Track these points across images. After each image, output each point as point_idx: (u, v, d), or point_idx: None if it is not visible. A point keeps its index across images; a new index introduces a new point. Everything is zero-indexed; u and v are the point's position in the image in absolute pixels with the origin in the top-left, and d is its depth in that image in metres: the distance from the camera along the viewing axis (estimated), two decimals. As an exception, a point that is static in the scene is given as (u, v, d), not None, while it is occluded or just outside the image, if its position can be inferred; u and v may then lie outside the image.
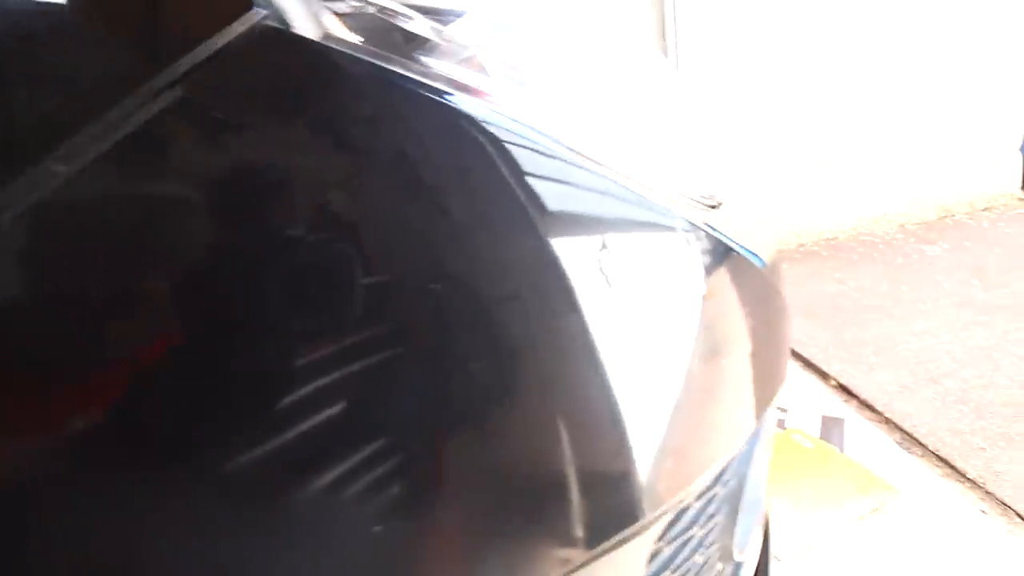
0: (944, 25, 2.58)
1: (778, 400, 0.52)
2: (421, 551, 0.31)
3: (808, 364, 1.72)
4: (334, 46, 0.30)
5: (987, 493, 1.19)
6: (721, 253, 0.44)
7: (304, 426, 0.26)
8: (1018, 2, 2.64)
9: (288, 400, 0.26)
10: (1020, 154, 2.88)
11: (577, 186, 0.37)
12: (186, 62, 0.26)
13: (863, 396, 1.53)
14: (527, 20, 0.48)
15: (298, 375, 0.27)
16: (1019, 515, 1.13)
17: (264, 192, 0.28)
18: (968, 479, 1.23)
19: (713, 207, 0.46)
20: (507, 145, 0.34)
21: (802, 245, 2.68)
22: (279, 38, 0.29)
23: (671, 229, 0.41)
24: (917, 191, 2.78)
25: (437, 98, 0.32)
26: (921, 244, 2.50)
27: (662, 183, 0.42)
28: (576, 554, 0.33)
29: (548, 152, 0.35)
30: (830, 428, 1.43)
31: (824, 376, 1.66)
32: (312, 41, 0.29)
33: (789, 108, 2.52)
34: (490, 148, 0.33)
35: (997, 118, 2.79)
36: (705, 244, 0.43)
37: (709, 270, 0.43)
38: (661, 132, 0.51)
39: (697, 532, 0.44)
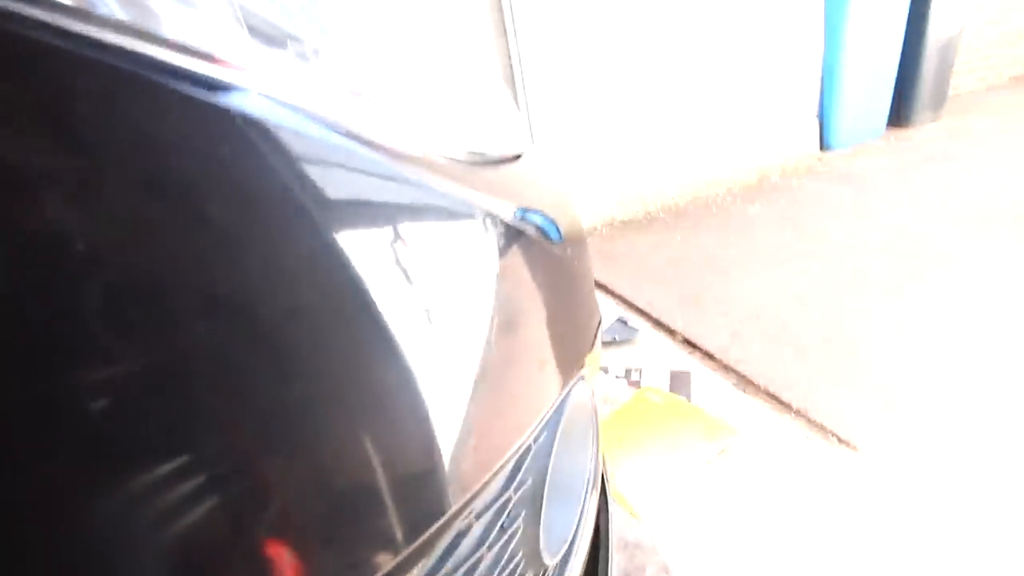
0: (743, 15, 2.85)
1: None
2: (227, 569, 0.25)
3: (656, 322, 1.80)
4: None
5: (809, 420, 1.32)
6: (510, 233, 0.38)
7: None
8: (804, -16, 2.98)
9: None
10: (816, 120, 3.29)
11: (347, 169, 0.30)
12: None
13: (705, 347, 1.64)
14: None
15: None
16: (836, 436, 1.26)
17: None
18: (793, 410, 1.35)
19: (498, 162, 0.40)
20: (271, 132, 0.27)
21: (648, 213, 2.84)
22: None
23: (458, 211, 0.35)
24: (739, 158, 3.07)
25: (171, 79, 0.24)
26: (746, 204, 2.76)
27: (432, 143, 0.35)
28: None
29: (318, 136, 0.28)
30: (678, 382, 1.50)
31: (671, 332, 1.75)
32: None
33: (631, 93, 2.63)
34: (250, 136, 0.26)
35: (797, 90, 3.15)
36: (493, 224, 0.37)
37: (499, 251, 0.37)
38: (440, 94, 0.44)
39: (485, 554, 0.38)
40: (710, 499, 1.14)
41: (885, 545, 1.01)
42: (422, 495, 0.31)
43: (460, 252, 0.34)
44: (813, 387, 1.41)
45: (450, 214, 0.34)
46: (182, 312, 0.24)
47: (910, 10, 3.31)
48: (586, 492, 0.47)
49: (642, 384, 1.51)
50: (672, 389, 1.47)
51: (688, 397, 1.44)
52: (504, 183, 0.39)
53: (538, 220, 0.41)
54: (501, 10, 2.31)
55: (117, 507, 0.22)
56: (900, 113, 3.65)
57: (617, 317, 1.83)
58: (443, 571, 0.33)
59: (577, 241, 0.49)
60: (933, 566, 0.96)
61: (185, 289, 0.24)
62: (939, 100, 3.75)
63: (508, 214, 0.38)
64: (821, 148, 3.36)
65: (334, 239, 0.28)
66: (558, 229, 0.45)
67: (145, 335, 0.23)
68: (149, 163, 0.24)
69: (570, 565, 0.47)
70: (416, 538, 0.29)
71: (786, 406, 1.37)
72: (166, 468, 0.23)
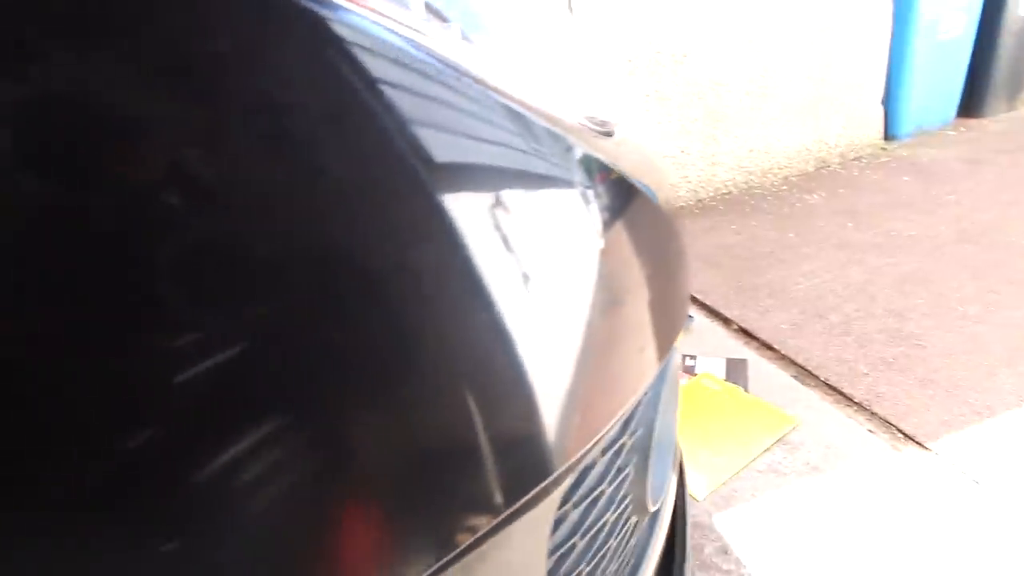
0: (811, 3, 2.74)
1: (684, 345, 0.49)
2: (326, 528, 0.26)
3: (712, 311, 1.78)
4: None
5: (872, 414, 1.29)
6: (622, 190, 0.39)
7: (188, 417, 0.22)
8: (874, -36, 2.84)
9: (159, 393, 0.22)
10: (881, 107, 3.15)
11: (470, 116, 0.30)
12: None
13: (761, 337, 1.61)
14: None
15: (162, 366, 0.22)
16: (901, 431, 1.23)
17: (89, 150, 0.21)
18: (855, 403, 1.32)
19: (607, 134, 0.41)
20: (394, 73, 0.27)
21: (700, 201, 2.78)
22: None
23: (570, 165, 0.35)
24: (797, 146, 2.97)
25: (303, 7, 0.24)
26: (803, 194, 2.67)
27: (559, 108, 0.36)
28: (467, 533, 0.27)
29: (440, 79, 0.29)
30: (735, 370, 1.48)
31: (726, 321, 1.72)
32: None
33: (683, 74, 2.57)
34: (374, 78, 0.26)
35: (862, 73, 3.02)
36: (606, 181, 0.38)
37: (610, 209, 0.38)
38: (556, 62, 0.45)
39: (607, 489, 0.40)
40: (767, 485, 1.13)
41: (953, 544, 0.98)
42: (565, 430, 0.32)
43: (592, 206, 0.35)
44: (877, 381, 1.38)
45: (582, 168, 0.35)
46: (294, 262, 0.24)
47: (988, -11, 3.12)
48: (675, 449, 0.48)
49: (696, 372, 1.49)
50: (728, 378, 1.46)
51: (745, 387, 1.42)
52: (616, 151, 0.40)
53: (646, 187, 0.42)
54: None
55: (227, 464, 0.22)
56: (972, 101, 3.46)
57: (670, 304, 1.82)
58: (576, 497, 0.35)
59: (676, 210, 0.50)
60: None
61: (299, 237, 0.24)
62: (1015, 88, 3.53)
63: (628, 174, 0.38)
64: (886, 136, 3.21)
65: (450, 192, 0.29)
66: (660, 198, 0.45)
67: (257, 285, 0.23)
68: (271, 111, 0.24)
69: (662, 516, 0.48)
70: (564, 462, 0.31)
71: (848, 399, 1.34)
72: (270, 425, 0.23)
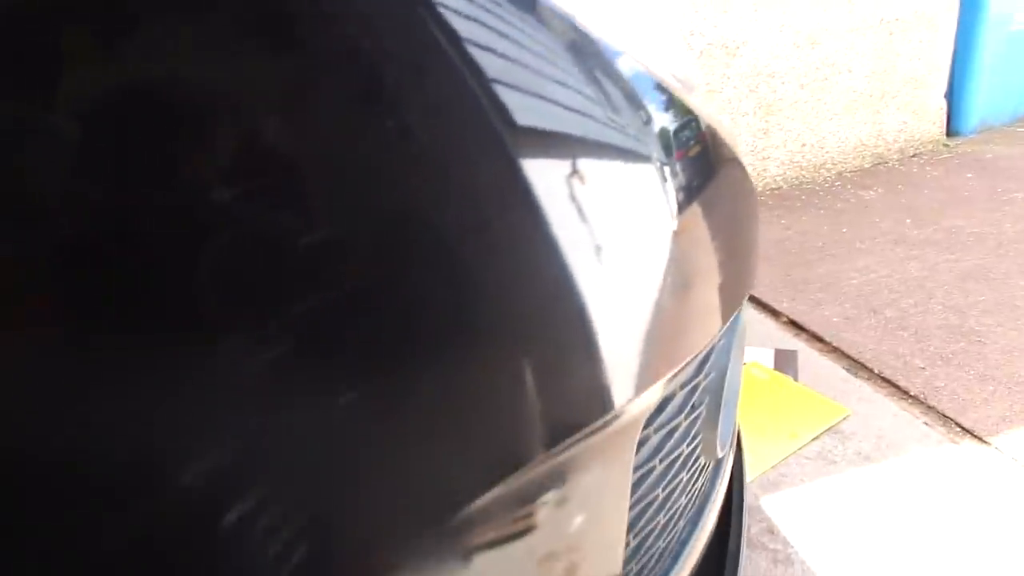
0: (875, -25, 2.66)
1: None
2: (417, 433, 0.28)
3: (760, 304, 1.77)
4: None
5: (928, 407, 1.26)
6: (717, 143, 0.42)
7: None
8: (942, -48, 2.73)
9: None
10: (944, 101, 3.03)
11: (569, 58, 0.33)
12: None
13: (812, 329, 1.59)
14: None
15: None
16: (960, 426, 1.20)
17: (172, 118, 0.23)
18: (911, 396, 1.30)
19: (691, 90, 0.44)
20: (479, 19, 0.29)
21: (748, 196, 2.75)
22: None
23: (677, 119, 0.39)
24: (854, 142, 2.89)
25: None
26: (858, 190, 2.61)
27: (652, 60, 0.39)
28: (572, 428, 0.31)
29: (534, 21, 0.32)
30: (784, 360, 1.48)
31: (775, 314, 1.71)
32: None
33: (733, 70, 2.54)
34: (457, 27, 0.28)
35: (924, 66, 2.91)
36: (705, 135, 0.41)
37: (709, 160, 0.41)
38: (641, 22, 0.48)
39: (682, 422, 0.43)
40: (817, 472, 1.13)
41: (1011, 537, 0.97)
42: (656, 354, 0.35)
43: (696, 158, 0.38)
44: (935, 376, 1.35)
45: (688, 124, 0.38)
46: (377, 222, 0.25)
47: (1067, -21, 2.96)
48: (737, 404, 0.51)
49: (746, 360, 1.49)
50: (776, 367, 1.45)
51: (794, 377, 1.41)
52: (701, 106, 0.43)
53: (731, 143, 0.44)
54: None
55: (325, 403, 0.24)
56: (1044, 96, 3.29)
57: (717, 295, 1.81)
58: (655, 423, 0.38)
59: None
60: (1069, 562, 0.91)
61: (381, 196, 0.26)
62: (1094, 82, 3.34)
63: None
64: (948, 132, 3.09)
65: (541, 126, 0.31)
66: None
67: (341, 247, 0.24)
68: (353, 67, 0.25)
69: (725, 468, 0.51)
70: (654, 381, 0.34)
71: (903, 392, 1.32)
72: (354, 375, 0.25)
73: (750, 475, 1.14)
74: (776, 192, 2.74)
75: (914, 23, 2.80)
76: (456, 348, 0.28)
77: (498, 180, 0.29)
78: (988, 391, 1.28)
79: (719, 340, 0.46)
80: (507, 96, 0.29)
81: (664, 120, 0.37)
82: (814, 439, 1.21)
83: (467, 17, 0.29)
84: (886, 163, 2.90)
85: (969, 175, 2.59)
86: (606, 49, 0.35)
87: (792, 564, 0.96)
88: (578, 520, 0.33)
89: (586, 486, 0.33)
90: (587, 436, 0.32)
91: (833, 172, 2.86)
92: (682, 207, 0.38)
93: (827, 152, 2.86)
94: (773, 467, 1.15)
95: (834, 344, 1.52)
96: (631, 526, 0.38)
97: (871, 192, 2.55)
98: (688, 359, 0.38)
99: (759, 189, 2.76)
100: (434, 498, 0.27)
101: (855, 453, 1.17)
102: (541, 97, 0.31)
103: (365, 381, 0.25)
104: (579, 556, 0.34)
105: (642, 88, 0.36)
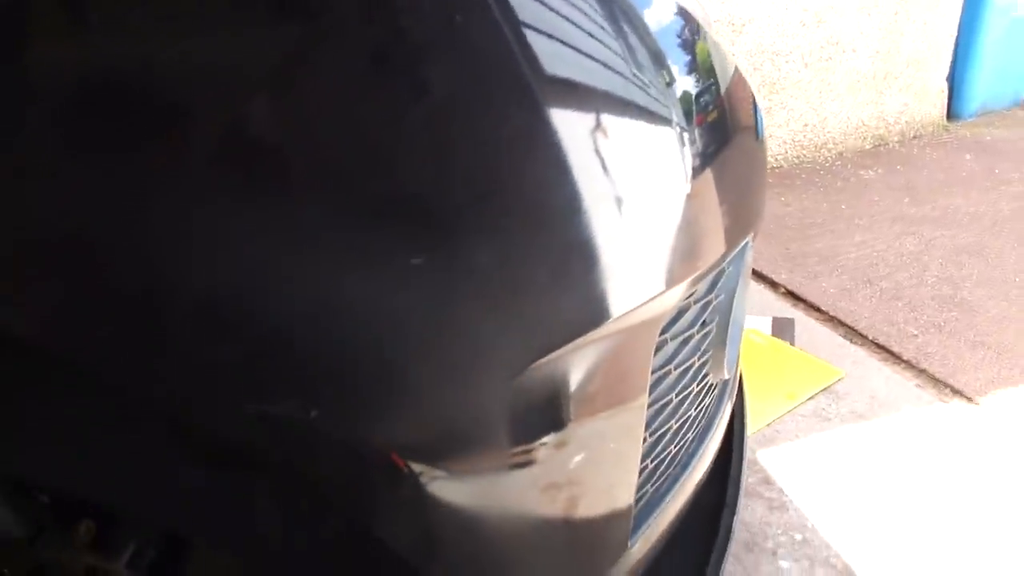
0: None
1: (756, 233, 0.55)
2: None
3: (759, 275, 1.81)
4: None
5: (920, 371, 1.31)
6: (743, 85, 0.46)
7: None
8: (949, -68, 2.73)
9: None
10: (946, 84, 3.05)
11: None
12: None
13: (809, 299, 1.63)
14: None
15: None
16: (950, 387, 1.25)
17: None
18: (904, 360, 1.35)
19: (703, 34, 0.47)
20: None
21: (749, 174, 2.77)
22: None
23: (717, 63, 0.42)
24: (855, 122, 2.91)
25: None
26: (858, 170, 2.64)
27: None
28: (601, 315, 0.34)
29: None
30: (781, 327, 1.52)
31: (774, 285, 1.75)
32: None
33: (738, 47, 2.55)
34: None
35: (927, 49, 2.93)
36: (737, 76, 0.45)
37: (739, 99, 0.45)
38: None
39: (695, 334, 0.46)
40: (811, 429, 1.18)
41: (994, 491, 1.02)
42: (680, 256, 0.39)
43: (728, 95, 0.42)
44: (927, 342, 1.40)
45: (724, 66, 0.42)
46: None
47: (1072, -37, 2.96)
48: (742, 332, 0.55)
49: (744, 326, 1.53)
50: (774, 334, 1.50)
51: (791, 343, 1.46)
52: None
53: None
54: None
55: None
56: (1045, 81, 3.31)
57: (718, 267, 1.85)
58: (672, 331, 0.42)
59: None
60: (1048, 509, 0.96)
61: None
62: (1095, 68, 3.36)
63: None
64: (948, 115, 3.12)
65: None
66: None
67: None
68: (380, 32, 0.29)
69: (730, 393, 0.55)
70: (673, 284, 0.38)
71: (896, 357, 1.36)
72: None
73: (748, 431, 1.18)
74: (777, 170, 2.76)
75: (919, 4, 2.81)
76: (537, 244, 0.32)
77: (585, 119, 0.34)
78: (978, 357, 1.33)
79: (728, 266, 0.49)
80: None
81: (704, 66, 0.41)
82: (809, 398, 1.25)
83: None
84: (886, 144, 2.92)
85: (968, 156, 2.62)
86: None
87: (787, 510, 1.01)
88: (605, 403, 0.37)
89: (614, 373, 0.37)
90: (628, 316, 0.35)
91: (834, 152, 2.89)
92: (702, 155, 0.41)
93: (829, 132, 2.88)
94: (769, 424, 1.20)
95: (831, 313, 1.56)
96: (648, 423, 0.42)
97: (871, 172, 2.59)
98: (703, 269, 0.42)
99: (760, 168, 2.79)
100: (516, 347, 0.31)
101: (849, 411, 1.21)
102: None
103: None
104: (603, 440, 0.38)
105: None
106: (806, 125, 2.82)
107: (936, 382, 1.28)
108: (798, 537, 0.96)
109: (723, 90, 0.46)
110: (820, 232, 2.04)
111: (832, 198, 2.34)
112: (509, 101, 0.32)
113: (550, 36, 0.34)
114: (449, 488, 0.32)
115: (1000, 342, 1.37)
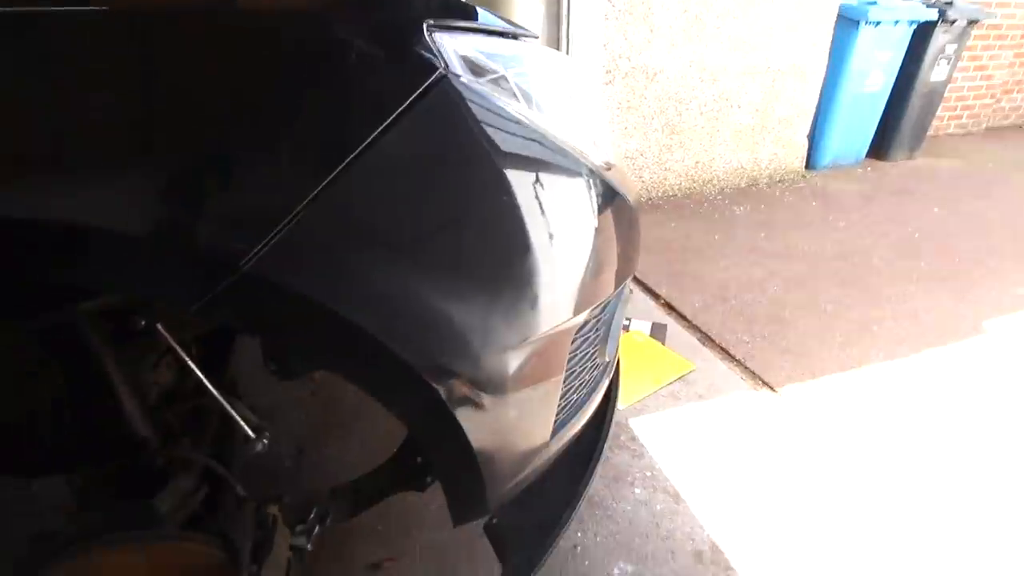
0: (762, 43, 3.25)
1: (624, 308, 0.95)
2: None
3: (645, 287, 2.29)
4: None
5: (745, 368, 1.83)
6: (613, 194, 0.84)
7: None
8: (811, 19, 3.38)
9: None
10: (807, 140, 3.75)
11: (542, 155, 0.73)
12: None
13: (680, 310, 2.13)
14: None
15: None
16: (762, 380, 1.77)
17: None
18: (735, 359, 1.86)
19: (608, 169, 0.85)
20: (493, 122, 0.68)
21: (650, 199, 3.29)
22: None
23: (586, 175, 0.80)
24: (735, 165, 3.53)
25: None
26: (732, 205, 3.23)
27: (585, 152, 0.80)
28: (551, 323, 0.71)
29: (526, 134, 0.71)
30: (657, 330, 1.99)
31: (656, 296, 2.23)
32: None
33: (650, 92, 3.03)
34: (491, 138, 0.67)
35: (795, 111, 3.60)
36: (602, 188, 0.82)
37: (608, 201, 0.82)
38: (586, 115, 0.88)
39: (591, 335, 0.85)
40: (667, 405, 1.64)
41: (788, 458, 1.53)
42: (586, 294, 0.76)
43: (601, 201, 0.80)
44: (754, 348, 1.92)
45: (598, 183, 0.80)
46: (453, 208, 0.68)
47: (905, 56, 3.75)
48: (617, 342, 0.95)
49: (630, 329, 1.99)
50: (651, 335, 1.97)
51: (663, 342, 1.93)
52: (613, 175, 0.84)
53: (626, 193, 0.87)
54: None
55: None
56: (881, 146, 4.13)
57: (616, 278, 2.31)
58: (580, 333, 0.80)
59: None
60: (828, 484, 1.48)
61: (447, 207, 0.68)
62: (917, 140, 4.24)
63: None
64: (807, 166, 3.83)
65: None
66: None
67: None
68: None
69: (608, 372, 0.94)
70: (586, 308, 0.76)
71: (731, 357, 1.87)
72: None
73: (623, 404, 1.63)
74: (672, 199, 3.30)
75: (791, 73, 3.45)
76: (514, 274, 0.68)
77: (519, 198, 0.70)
78: (784, 360, 1.87)
79: (614, 297, 0.89)
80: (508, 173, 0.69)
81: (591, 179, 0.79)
82: (669, 384, 1.72)
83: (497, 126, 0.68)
84: (757, 185, 3.56)
85: (814, 203, 3.30)
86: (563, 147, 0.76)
87: (643, 457, 1.46)
88: (551, 361, 0.74)
89: (551, 351, 0.74)
90: (561, 325, 0.73)
91: (717, 188, 3.48)
92: (600, 216, 0.79)
93: (714, 171, 3.47)
94: (639, 400, 1.65)
95: (693, 322, 2.06)
96: (565, 380, 0.80)
97: (741, 208, 3.19)
98: (601, 301, 0.80)
99: (660, 196, 3.32)
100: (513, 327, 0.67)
101: (695, 394, 1.69)
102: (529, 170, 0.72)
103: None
104: (549, 382, 0.76)
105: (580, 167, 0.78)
106: (698, 163, 3.39)
107: (754, 376, 1.79)
108: (648, 474, 1.41)
109: (611, 194, 0.85)
110: (696, 256, 2.57)
111: (709, 227, 2.89)
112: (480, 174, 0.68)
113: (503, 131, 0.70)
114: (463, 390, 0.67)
115: (801, 350, 1.92)
